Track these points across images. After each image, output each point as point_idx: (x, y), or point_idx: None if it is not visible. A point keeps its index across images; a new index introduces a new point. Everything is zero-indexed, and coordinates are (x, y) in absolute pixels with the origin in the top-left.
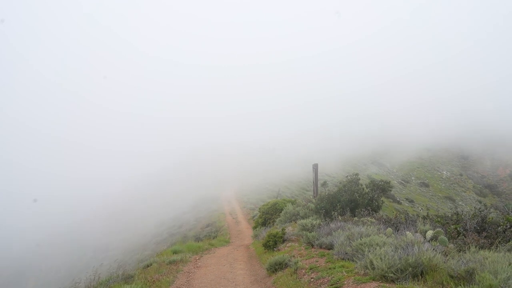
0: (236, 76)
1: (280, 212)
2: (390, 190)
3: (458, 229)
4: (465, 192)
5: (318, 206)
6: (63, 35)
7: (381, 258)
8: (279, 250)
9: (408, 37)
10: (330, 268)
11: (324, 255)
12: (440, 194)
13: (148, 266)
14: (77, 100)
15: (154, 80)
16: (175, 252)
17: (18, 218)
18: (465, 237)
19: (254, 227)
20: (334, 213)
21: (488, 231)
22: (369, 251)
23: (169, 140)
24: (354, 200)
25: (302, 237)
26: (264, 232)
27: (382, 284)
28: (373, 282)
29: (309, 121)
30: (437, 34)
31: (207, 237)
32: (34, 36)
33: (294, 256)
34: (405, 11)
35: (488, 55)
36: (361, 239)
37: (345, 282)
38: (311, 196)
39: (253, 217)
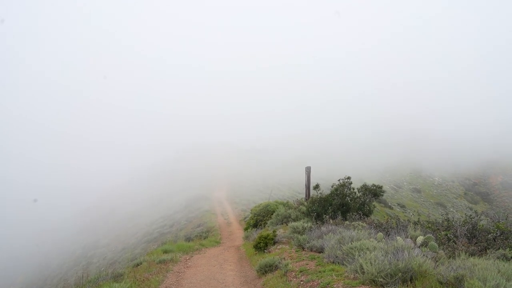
0: (236, 78)
1: (272, 214)
2: (382, 195)
3: (449, 235)
4: (456, 198)
5: (309, 209)
6: (65, 36)
7: (371, 263)
8: (269, 252)
9: (412, 49)
10: (320, 271)
11: (314, 258)
12: (431, 200)
13: (138, 264)
14: (78, 98)
15: (153, 79)
16: (165, 252)
17: (20, 208)
18: (456, 243)
19: (245, 229)
20: (325, 217)
21: (478, 238)
22: (359, 255)
23: (164, 137)
24: (345, 204)
25: (293, 240)
26: (255, 234)
27: None
28: (363, 286)
29: (305, 124)
30: (445, 47)
31: (198, 237)
32: (37, 37)
33: (284, 259)
34: (409, 22)
35: (492, 70)
36: (351, 243)
37: (335, 286)
38: (303, 199)
39: (245, 218)
